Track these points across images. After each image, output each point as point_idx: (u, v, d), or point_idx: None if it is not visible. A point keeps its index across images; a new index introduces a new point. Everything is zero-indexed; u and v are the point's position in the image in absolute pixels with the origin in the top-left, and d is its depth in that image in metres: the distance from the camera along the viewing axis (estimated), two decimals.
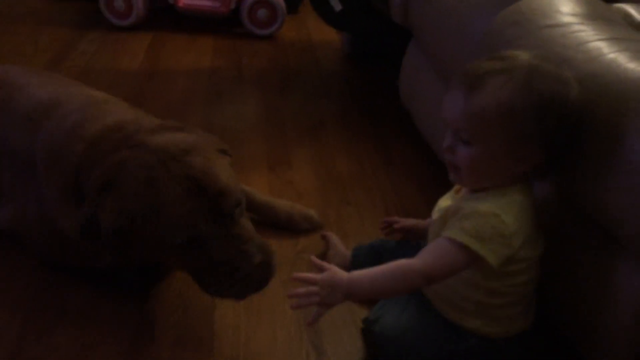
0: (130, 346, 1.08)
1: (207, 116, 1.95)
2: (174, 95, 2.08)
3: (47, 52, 2.35)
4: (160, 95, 2.07)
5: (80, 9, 2.84)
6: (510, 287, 0.98)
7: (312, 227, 1.41)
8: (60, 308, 1.15)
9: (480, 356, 1.01)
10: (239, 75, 2.30)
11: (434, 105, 1.62)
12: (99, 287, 1.20)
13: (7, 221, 1.25)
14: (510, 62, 0.92)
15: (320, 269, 0.94)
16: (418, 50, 1.79)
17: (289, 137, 1.85)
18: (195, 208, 0.95)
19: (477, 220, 0.91)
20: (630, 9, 1.22)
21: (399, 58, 1.94)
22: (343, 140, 1.85)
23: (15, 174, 1.22)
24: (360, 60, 2.48)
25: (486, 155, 0.92)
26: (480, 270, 0.95)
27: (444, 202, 1.06)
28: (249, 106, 2.06)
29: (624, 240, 0.89)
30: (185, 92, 2.12)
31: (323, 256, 1.30)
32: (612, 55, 0.94)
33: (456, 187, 1.07)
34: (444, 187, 1.10)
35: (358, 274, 0.94)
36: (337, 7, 2.24)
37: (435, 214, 1.05)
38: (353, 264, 1.24)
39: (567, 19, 1.08)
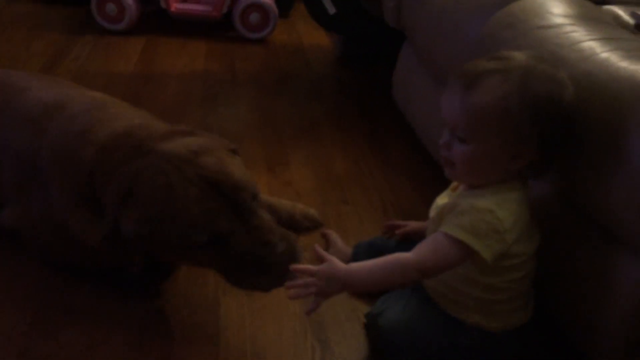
0: (137, 343, 1.09)
1: (204, 118, 1.96)
2: (168, 99, 2.09)
3: (41, 56, 2.34)
4: (155, 99, 2.07)
5: (72, 13, 2.83)
6: (507, 283, 0.99)
7: (313, 225, 1.43)
8: (67, 306, 1.16)
9: (481, 349, 1.03)
10: (232, 78, 2.31)
11: (427, 107, 1.63)
12: (104, 286, 1.21)
13: (10, 221, 1.25)
14: (507, 63, 0.93)
15: (321, 259, 0.96)
16: (411, 53, 1.81)
17: (286, 138, 1.87)
18: (214, 206, 0.97)
19: (473, 216, 0.92)
20: (619, 10, 1.24)
21: (392, 60, 1.96)
22: (339, 140, 1.87)
23: (19, 174, 1.22)
24: (351, 63, 2.50)
25: (481, 153, 0.94)
26: (475, 266, 0.96)
27: (441, 200, 1.08)
28: (244, 108, 2.08)
29: (623, 238, 0.90)
30: (179, 95, 2.13)
31: None
32: (604, 55, 0.95)
33: (453, 184, 1.08)
34: (440, 185, 1.12)
35: (356, 265, 0.96)
36: (331, 10, 2.26)
37: (433, 211, 1.07)
38: (353, 261, 1.25)
39: (560, 20, 1.09)
